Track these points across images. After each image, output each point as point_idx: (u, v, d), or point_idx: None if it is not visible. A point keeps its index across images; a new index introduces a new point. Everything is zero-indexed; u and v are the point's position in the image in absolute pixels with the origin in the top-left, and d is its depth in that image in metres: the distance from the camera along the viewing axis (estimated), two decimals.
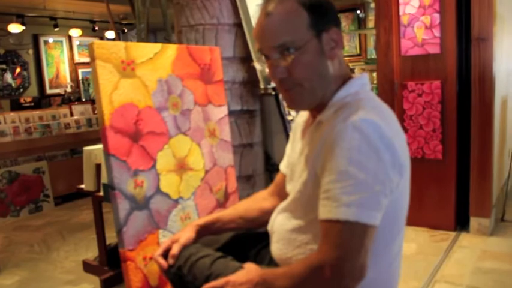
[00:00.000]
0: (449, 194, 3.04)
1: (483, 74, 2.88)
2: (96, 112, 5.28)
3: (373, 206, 0.89)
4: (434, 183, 3.02)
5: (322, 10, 1.02)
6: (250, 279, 1.00)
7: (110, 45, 1.46)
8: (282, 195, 1.25)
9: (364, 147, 0.89)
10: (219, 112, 1.85)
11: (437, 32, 2.94)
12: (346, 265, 0.89)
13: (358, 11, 7.20)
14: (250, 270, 1.06)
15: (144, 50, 1.57)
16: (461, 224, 3.09)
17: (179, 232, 1.32)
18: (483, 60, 2.87)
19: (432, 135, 3.02)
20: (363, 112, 0.93)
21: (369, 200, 0.89)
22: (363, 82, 1.07)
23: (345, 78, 1.07)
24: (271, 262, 1.20)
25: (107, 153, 1.39)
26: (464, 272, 2.47)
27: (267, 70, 1.08)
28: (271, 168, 2.50)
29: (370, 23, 6.97)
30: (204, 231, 1.29)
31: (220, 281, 1.05)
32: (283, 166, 1.33)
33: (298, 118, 1.25)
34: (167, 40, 3.33)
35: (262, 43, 1.04)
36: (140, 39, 3.10)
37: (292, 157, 1.20)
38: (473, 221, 3.01)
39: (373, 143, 0.89)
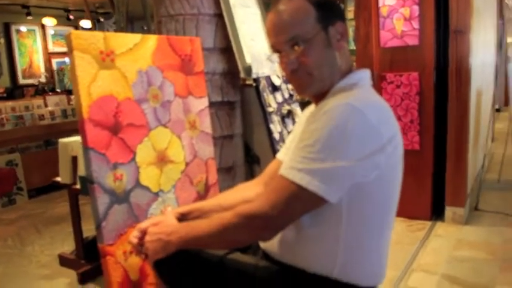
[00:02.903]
0: (425, 184, 3.09)
1: (460, 66, 2.92)
2: (71, 103, 5.17)
3: (325, 178, 0.96)
4: (412, 173, 3.06)
5: (327, 6, 1.11)
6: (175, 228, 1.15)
7: (89, 36, 1.42)
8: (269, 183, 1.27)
9: (338, 129, 0.95)
10: (200, 104, 1.83)
11: (416, 24, 2.97)
12: (272, 223, 1.01)
13: (337, 2, 7.19)
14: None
15: (123, 41, 1.53)
16: (437, 213, 3.15)
17: (159, 216, 1.35)
18: (460, 52, 2.91)
19: (410, 126, 3.06)
20: (351, 99, 1.00)
21: (323, 172, 0.96)
22: (362, 76, 1.14)
23: (348, 70, 1.14)
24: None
25: (85, 147, 1.36)
26: (440, 261, 2.52)
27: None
28: (250, 159, 2.49)
29: (349, 14, 6.97)
30: (184, 220, 1.30)
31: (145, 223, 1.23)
32: (280, 154, 1.38)
33: (306, 111, 1.32)
34: (145, 29, 3.28)
35: (274, 38, 1.12)
36: (119, 29, 3.04)
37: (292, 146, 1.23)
38: (449, 211, 3.07)
39: (349, 126, 0.95)
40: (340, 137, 0.96)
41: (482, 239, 2.79)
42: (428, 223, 3.06)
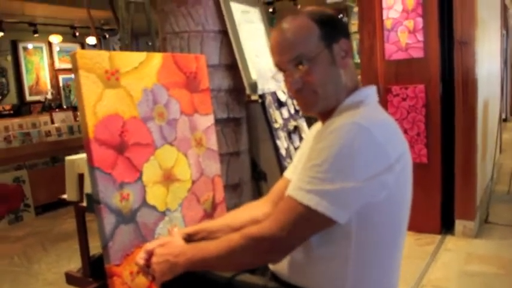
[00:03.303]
0: (434, 197, 3.05)
1: (466, 77, 2.91)
2: (77, 119, 5.20)
3: (334, 200, 0.94)
4: (420, 186, 2.99)
5: (331, 23, 1.10)
6: (183, 250, 1.12)
7: (94, 55, 1.42)
8: (277, 202, 1.26)
9: (346, 148, 0.94)
10: (206, 121, 1.82)
11: (420, 36, 2.96)
12: (282, 245, 0.99)
13: (341, 15, 7.24)
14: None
15: (128, 59, 1.53)
16: (446, 226, 3.11)
17: (166, 237, 1.33)
18: (466, 63, 2.90)
19: (417, 139, 3.04)
20: (357, 117, 0.99)
21: (332, 193, 0.94)
22: (368, 93, 1.13)
23: (354, 87, 1.13)
24: None
25: (91, 167, 1.35)
26: (450, 276, 2.48)
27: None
28: (257, 176, 2.47)
29: (353, 27, 7.00)
30: (191, 240, 1.28)
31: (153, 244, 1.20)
32: (288, 172, 1.36)
33: (313, 129, 1.31)
34: (151, 46, 3.30)
35: (278, 57, 1.11)
36: (124, 46, 3.06)
37: (299, 164, 1.22)
38: (458, 224, 3.03)
39: (357, 145, 0.94)
40: (348, 156, 0.94)
41: (493, 253, 2.75)
42: (438, 237, 3.02)
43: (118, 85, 1.48)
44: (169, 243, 1.20)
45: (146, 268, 1.19)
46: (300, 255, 1.07)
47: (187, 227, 1.38)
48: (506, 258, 2.66)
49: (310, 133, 1.32)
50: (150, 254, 1.19)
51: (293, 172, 1.30)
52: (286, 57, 1.08)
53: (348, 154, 0.94)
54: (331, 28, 1.09)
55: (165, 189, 1.60)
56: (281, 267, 1.13)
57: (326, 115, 1.11)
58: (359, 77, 3.56)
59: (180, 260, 1.10)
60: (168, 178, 1.62)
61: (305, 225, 0.97)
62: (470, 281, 2.41)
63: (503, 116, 6.82)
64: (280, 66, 1.12)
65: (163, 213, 1.58)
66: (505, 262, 2.60)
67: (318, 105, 1.10)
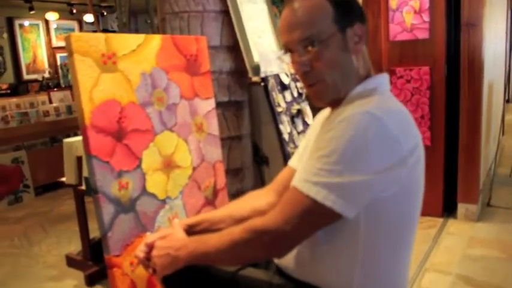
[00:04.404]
0: (437, 180, 3.03)
1: (472, 59, 2.85)
2: None
3: (342, 193, 0.90)
4: None
5: (347, 5, 1.03)
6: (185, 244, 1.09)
7: (89, 38, 1.36)
8: (281, 192, 1.22)
9: (357, 139, 0.89)
10: (207, 105, 1.77)
11: (426, 17, 2.88)
12: (286, 239, 0.95)
13: None
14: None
15: (126, 42, 1.47)
16: (448, 210, 3.09)
17: (167, 229, 1.29)
18: (472, 45, 2.83)
19: (420, 121, 2.99)
20: (370, 106, 0.93)
21: (340, 186, 0.90)
22: (381, 81, 1.07)
23: (366, 75, 1.07)
24: None
25: (88, 155, 1.31)
26: (453, 260, 2.47)
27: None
28: (259, 160, 2.43)
29: None
30: (192, 231, 1.25)
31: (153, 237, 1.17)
32: (293, 161, 1.31)
33: (320, 115, 1.25)
34: (149, 23, 3.23)
35: (288, 37, 1.04)
36: (121, 24, 2.99)
37: (305, 153, 1.18)
38: (461, 207, 3.01)
39: (369, 136, 0.89)
40: (359, 148, 0.89)
41: (495, 237, 2.73)
42: (440, 220, 3.01)
43: (115, 69, 1.42)
44: (170, 236, 1.16)
45: (146, 261, 1.16)
46: (306, 250, 1.04)
47: (188, 218, 1.34)
48: (508, 242, 2.65)
49: (317, 120, 1.26)
50: (150, 247, 1.16)
51: (298, 161, 1.26)
52: (296, 37, 1.01)
53: (359, 145, 0.89)
54: (346, 11, 1.02)
55: (165, 176, 1.56)
56: (286, 261, 1.10)
57: (336, 103, 1.05)
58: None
59: (181, 254, 1.07)
60: (168, 165, 1.58)
61: (311, 219, 0.93)
62: (472, 265, 2.39)
63: (506, 97, 6.75)
64: (288, 46, 1.05)
65: (164, 201, 1.54)
66: (507, 246, 2.59)
67: (328, 95, 1.05)
